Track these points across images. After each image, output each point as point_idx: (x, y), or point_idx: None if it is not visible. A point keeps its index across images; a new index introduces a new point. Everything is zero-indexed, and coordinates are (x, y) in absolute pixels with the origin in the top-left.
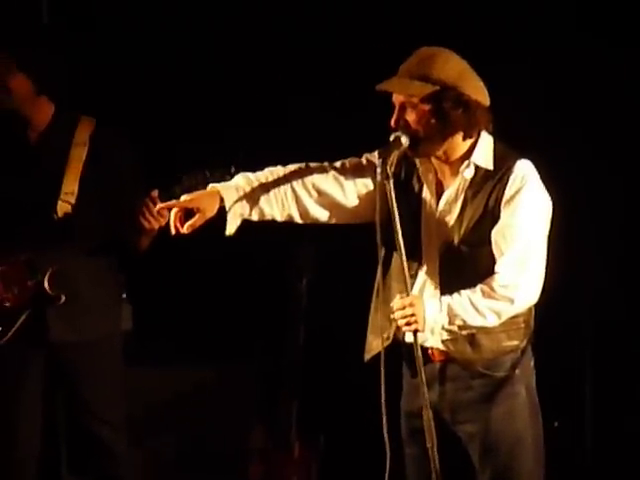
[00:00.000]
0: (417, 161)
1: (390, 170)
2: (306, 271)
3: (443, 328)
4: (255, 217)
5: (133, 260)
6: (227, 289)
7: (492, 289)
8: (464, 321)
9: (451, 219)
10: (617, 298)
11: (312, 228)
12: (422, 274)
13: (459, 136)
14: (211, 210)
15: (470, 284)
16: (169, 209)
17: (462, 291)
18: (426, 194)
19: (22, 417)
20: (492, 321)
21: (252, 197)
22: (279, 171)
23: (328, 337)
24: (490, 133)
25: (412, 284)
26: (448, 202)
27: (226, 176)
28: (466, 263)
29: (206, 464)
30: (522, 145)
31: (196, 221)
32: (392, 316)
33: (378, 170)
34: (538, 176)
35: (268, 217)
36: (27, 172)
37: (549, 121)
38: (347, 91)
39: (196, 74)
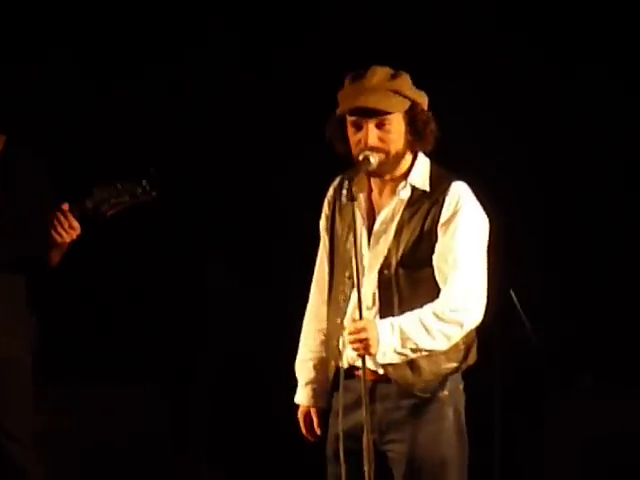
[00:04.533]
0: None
1: (355, 191)
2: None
3: (395, 351)
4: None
5: (44, 277)
6: (141, 308)
7: (442, 312)
8: (416, 344)
9: (387, 240)
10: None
11: (221, 247)
12: (354, 297)
13: (410, 154)
14: (323, 402)
15: (409, 307)
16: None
17: (411, 313)
18: (358, 215)
19: None
20: (442, 345)
21: (320, 381)
22: (309, 336)
23: (243, 362)
24: (427, 154)
25: (344, 310)
26: (385, 222)
27: (137, 188)
28: (404, 286)
29: None
30: (459, 163)
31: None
32: (346, 340)
33: (344, 191)
34: (474, 197)
35: None
36: None
37: (484, 137)
38: None
39: (108, 84)
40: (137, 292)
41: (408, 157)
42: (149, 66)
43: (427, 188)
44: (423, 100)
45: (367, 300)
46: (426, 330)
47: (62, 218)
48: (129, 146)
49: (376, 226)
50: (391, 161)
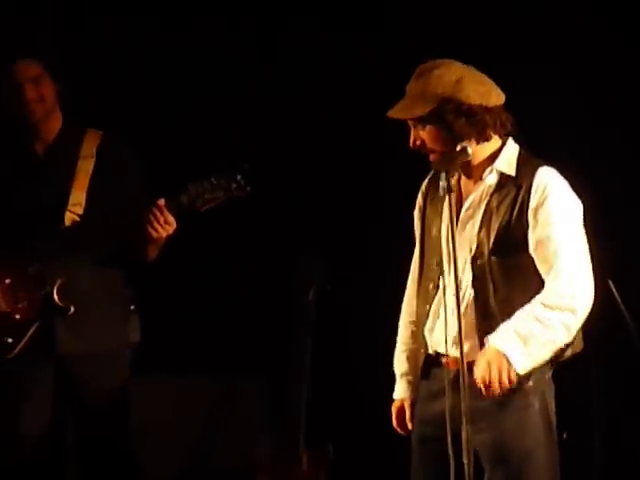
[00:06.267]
0: None
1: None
2: (314, 282)
3: (524, 354)
4: None
5: (141, 272)
6: (235, 301)
7: (551, 301)
8: (535, 337)
9: (474, 226)
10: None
11: (320, 237)
12: (442, 283)
13: (473, 142)
14: (412, 396)
15: (505, 295)
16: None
17: (519, 311)
18: (447, 203)
19: (31, 429)
20: (561, 334)
21: (413, 372)
22: (402, 328)
23: (336, 346)
24: (510, 133)
25: (432, 297)
26: (472, 207)
27: (232, 184)
28: (498, 274)
29: (212, 477)
30: (551, 146)
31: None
32: (480, 381)
33: (442, 183)
34: (564, 181)
35: None
36: (35, 184)
37: (580, 121)
38: None
39: (198, 82)
40: (232, 285)
41: (495, 143)
42: (244, 64)
43: (513, 173)
44: (462, 94)
45: (454, 291)
46: (539, 321)
47: (158, 213)
48: (222, 142)
49: (462, 212)
50: (448, 157)
